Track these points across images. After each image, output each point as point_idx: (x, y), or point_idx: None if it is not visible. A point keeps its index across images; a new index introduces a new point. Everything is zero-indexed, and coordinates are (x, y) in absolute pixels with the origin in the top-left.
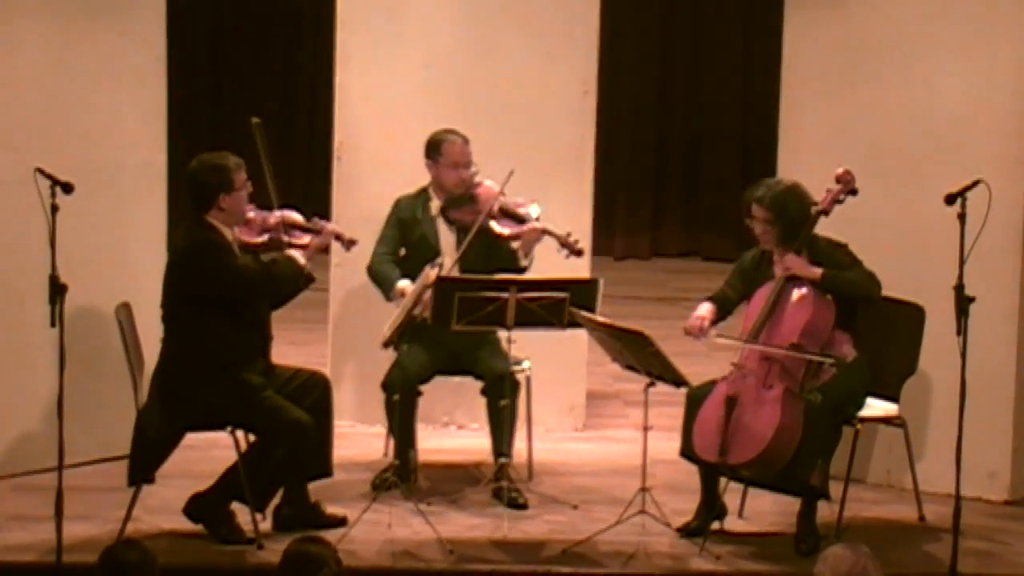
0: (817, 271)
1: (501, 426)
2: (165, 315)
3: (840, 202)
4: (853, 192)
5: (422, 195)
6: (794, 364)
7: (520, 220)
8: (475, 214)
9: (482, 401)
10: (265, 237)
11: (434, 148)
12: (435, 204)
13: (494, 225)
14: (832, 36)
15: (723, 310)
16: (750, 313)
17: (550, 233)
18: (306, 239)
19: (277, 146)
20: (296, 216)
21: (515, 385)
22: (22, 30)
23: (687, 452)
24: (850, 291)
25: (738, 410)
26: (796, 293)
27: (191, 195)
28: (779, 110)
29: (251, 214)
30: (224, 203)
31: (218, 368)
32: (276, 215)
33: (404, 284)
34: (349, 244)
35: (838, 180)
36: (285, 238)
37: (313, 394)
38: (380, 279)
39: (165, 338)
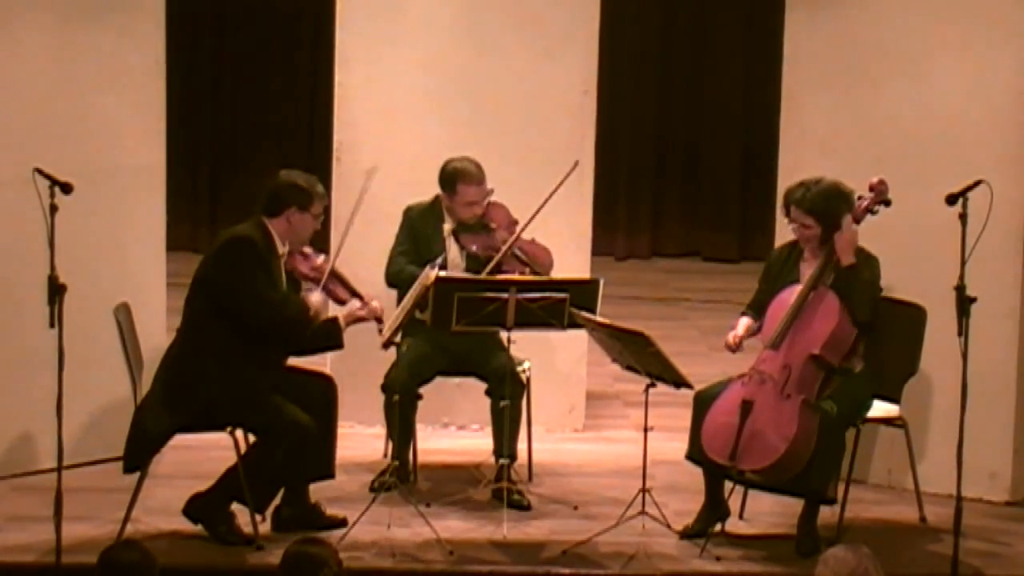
0: (852, 259)
1: (505, 426)
2: (187, 298)
3: (873, 212)
4: (886, 203)
5: (435, 209)
6: (813, 374)
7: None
8: (487, 247)
9: (482, 402)
10: (310, 271)
11: (448, 184)
12: (447, 226)
13: (506, 271)
14: (833, 36)
15: (760, 317)
16: (773, 315)
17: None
18: (343, 295)
19: (277, 146)
20: (342, 272)
21: (520, 385)
22: (22, 31)
23: (694, 454)
24: (856, 299)
25: (753, 415)
26: (823, 301)
27: (266, 197)
28: (779, 110)
29: (308, 251)
30: (292, 218)
31: (224, 366)
32: (324, 258)
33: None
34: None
35: (872, 189)
36: (329, 285)
37: (317, 396)
38: (411, 278)
39: (181, 326)
